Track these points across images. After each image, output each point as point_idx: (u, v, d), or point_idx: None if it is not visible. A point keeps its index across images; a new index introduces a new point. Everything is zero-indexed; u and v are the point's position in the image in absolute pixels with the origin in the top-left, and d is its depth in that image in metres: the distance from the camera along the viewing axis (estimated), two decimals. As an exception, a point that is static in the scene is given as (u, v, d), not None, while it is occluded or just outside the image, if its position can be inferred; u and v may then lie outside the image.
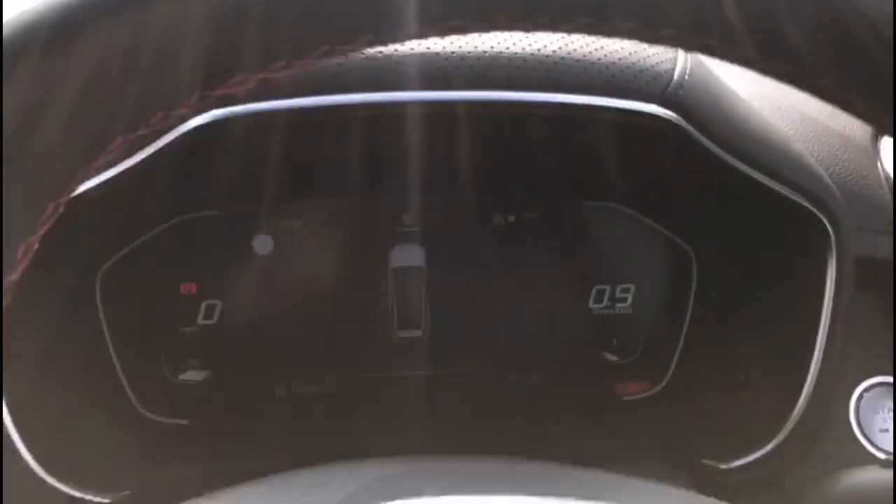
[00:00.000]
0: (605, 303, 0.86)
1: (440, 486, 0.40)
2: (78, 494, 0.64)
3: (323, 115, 0.65)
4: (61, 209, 0.33)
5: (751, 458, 0.70)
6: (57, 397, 0.71)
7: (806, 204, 0.70)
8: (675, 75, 0.64)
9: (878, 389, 0.74)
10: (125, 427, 0.78)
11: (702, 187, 0.75)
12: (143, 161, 0.60)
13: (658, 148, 0.70)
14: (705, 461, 0.73)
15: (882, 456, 0.71)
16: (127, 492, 0.69)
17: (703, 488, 0.72)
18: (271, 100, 0.61)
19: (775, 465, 0.70)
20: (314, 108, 0.64)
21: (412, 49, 0.63)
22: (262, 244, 0.81)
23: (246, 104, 0.60)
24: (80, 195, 0.61)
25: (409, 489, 0.39)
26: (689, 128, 0.65)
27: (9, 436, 0.61)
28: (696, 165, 0.70)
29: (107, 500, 0.67)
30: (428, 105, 0.65)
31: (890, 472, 0.68)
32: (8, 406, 0.62)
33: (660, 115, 0.64)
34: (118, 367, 0.79)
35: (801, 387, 0.70)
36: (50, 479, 0.64)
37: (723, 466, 0.72)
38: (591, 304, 0.86)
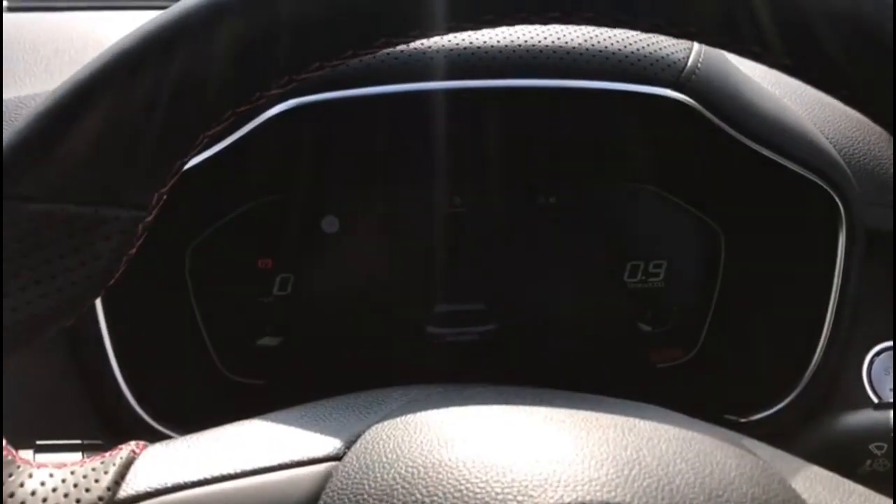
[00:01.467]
0: (639, 277, 0.94)
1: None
2: (167, 432, 0.75)
3: (384, 103, 0.75)
4: (182, 169, 0.43)
5: (767, 412, 0.78)
6: (155, 356, 0.82)
7: (818, 181, 0.77)
8: (689, 62, 0.72)
9: (888, 353, 0.81)
10: (210, 386, 0.89)
11: (722, 168, 0.83)
12: (235, 142, 0.71)
13: (680, 132, 0.78)
14: (727, 416, 0.81)
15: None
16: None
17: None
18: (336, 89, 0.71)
19: (789, 419, 0.77)
20: (374, 97, 0.74)
21: (448, 41, 0.73)
22: (329, 224, 0.91)
23: (317, 93, 0.70)
24: (185, 177, 0.73)
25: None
26: (704, 111, 0.73)
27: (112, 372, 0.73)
28: (715, 147, 0.78)
29: None
30: (473, 93, 0.74)
31: (887, 413, 0.74)
32: (115, 350, 0.73)
33: (676, 99, 0.72)
34: (204, 333, 0.89)
35: (815, 348, 0.77)
36: (144, 415, 0.74)
37: (742, 420, 0.79)
38: (626, 278, 0.94)
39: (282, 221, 0.91)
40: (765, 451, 0.47)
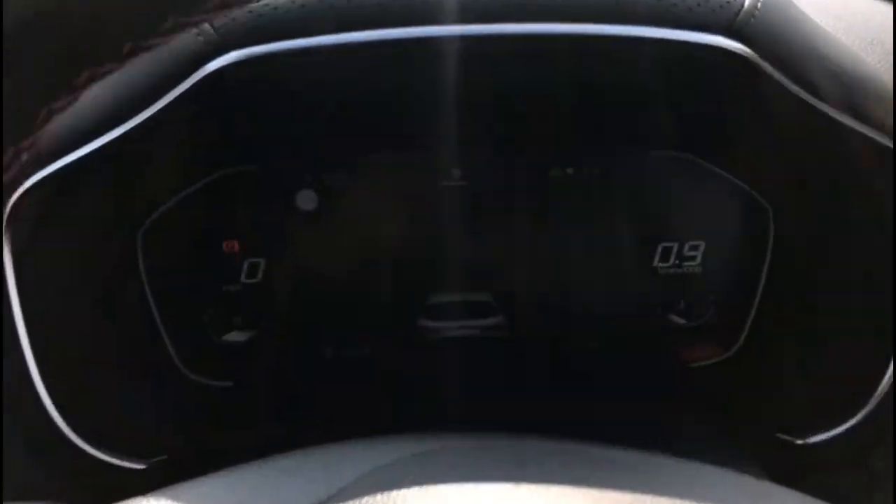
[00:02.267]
0: (671, 261, 0.80)
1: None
2: (109, 459, 0.62)
3: (365, 51, 0.60)
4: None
5: (832, 433, 0.64)
6: (94, 360, 0.69)
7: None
8: (746, 3, 0.57)
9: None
10: (168, 389, 0.76)
11: (778, 131, 0.68)
12: (173, 104, 0.57)
13: (728, 87, 0.63)
14: (780, 435, 0.67)
15: None
16: (163, 456, 0.67)
17: (775, 466, 0.66)
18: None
19: (860, 442, 0.63)
20: (355, 45, 0.59)
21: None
22: (306, 200, 0.78)
23: (284, 40, 0.55)
24: (116, 148, 0.59)
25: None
26: (763, 63, 0.58)
27: (41, 402, 0.60)
28: (771, 106, 0.63)
29: (140, 466, 0.65)
30: (476, 40, 0.59)
31: None
32: (40, 370, 0.60)
33: (728, 48, 0.57)
34: (161, 328, 0.76)
35: (892, 353, 0.62)
36: (81, 443, 0.62)
37: (799, 442, 0.65)
38: (656, 262, 0.80)
39: (249, 197, 0.77)
40: None
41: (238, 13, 0.55)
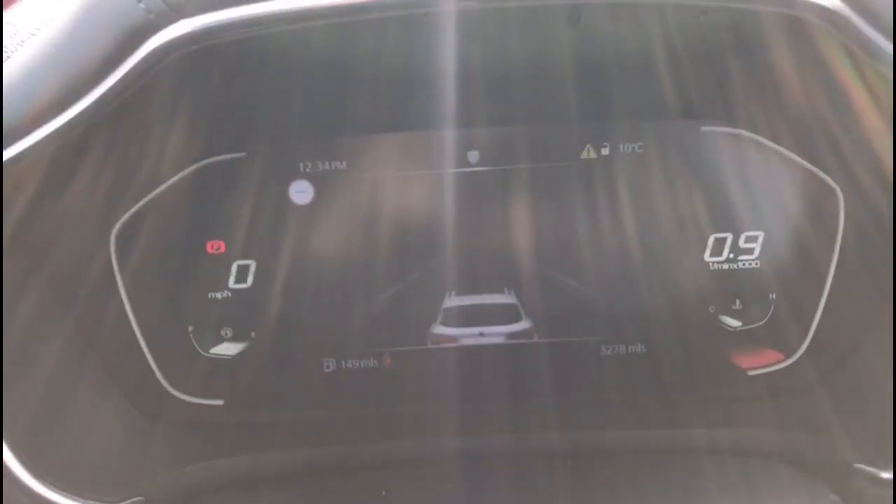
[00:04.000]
0: (725, 255, 0.69)
1: None
2: None
3: (365, 10, 0.49)
4: None
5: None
6: (62, 387, 0.60)
7: None
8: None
9: None
10: (151, 410, 0.67)
11: (859, 101, 0.56)
12: (120, 84, 0.46)
13: (801, 47, 0.52)
14: (859, 465, 0.56)
15: None
16: (138, 498, 0.58)
17: (851, 500, 0.56)
18: None
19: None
20: (353, 5, 0.48)
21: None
22: (300, 192, 0.67)
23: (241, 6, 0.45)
24: (78, 136, 0.49)
25: None
26: (851, 13, 0.46)
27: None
28: (854, 69, 0.51)
29: None
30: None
31: None
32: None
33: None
34: (142, 342, 0.67)
35: None
36: (42, 490, 0.53)
37: (885, 475, 0.55)
38: (707, 256, 0.69)
39: (236, 190, 0.67)
40: None
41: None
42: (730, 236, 0.69)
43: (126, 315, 0.66)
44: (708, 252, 0.69)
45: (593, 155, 0.68)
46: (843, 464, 0.58)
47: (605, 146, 0.68)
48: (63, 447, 0.56)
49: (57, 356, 0.59)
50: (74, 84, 0.48)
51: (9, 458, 0.52)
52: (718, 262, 0.69)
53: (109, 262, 0.65)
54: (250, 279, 0.69)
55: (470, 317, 0.70)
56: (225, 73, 0.56)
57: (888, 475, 0.55)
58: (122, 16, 0.44)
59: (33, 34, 0.51)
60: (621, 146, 0.68)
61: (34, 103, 0.48)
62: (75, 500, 0.55)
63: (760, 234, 0.69)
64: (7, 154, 0.48)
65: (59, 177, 0.55)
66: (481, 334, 0.70)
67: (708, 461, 0.64)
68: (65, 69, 0.47)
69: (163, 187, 0.66)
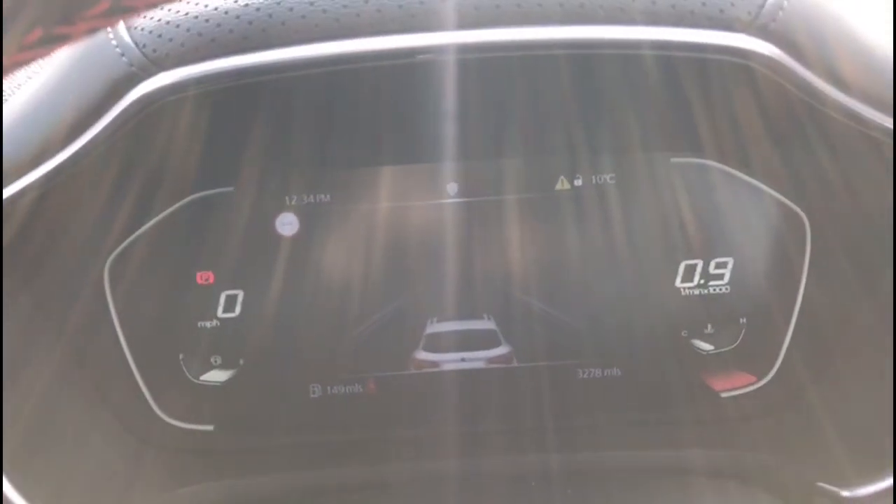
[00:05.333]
0: (695, 281, 0.71)
1: None
2: None
3: (348, 62, 0.52)
4: None
5: (884, 484, 0.55)
6: (53, 410, 0.62)
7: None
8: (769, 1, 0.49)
9: None
10: (142, 435, 0.69)
11: (811, 134, 0.59)
12: (113, 125, 0.49)
13: (754, 88, 0.55)
14: (822, 484, 0.58)
15: None
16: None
17: None
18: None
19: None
20: (334, 57, 0.51)
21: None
22: (286, 224, 0.70)
23: (255, 52, 0.48)
24: (77, 172, 0.52)
25: None
26: (791, 61, 0.49)
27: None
28: (801, 107, 0.54)
29: None
30: (472, 47, 0.52)
31: None
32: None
33: (753, 49, 0.49)
34: (134, 369, 0.70)
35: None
36: None
37: (846, 494, 0.57)
38: (678, 283, 0.72)
39: (224, 223, 0.70)
40: None
41: (168, 29, 0.47)
42: (700, 263, 0.71)
43: (118, 342, 0.69)
44: (679, 278, 0.71)
45: (567, 186, 0.71)
46: (807, 483, 0.60)
47: (578, 178, 0.70)
48: (54, 469, 0.58)
49: (48, 379, 0.62)
50: (65, 128, 0.51)
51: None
52: (689, 288, 0.72)
53: (103, 291, 0.68)
54: (238, 308, 0.71)
55: (451, 342, 0.72)
56: (210, 115, 0.59)
57: (848, 493, 0.57)
58: (107, 68, 0.48)
59: (29, 78, 0.54)
60: (593, 178, 0.70)
61: (30, 146, 0.52)
62: None
63: (730, 260, 0.71)
64: (7, 192, 0.51)
65: (56, 213, 0.58)
66: (462, 359, 0.72)
67: (681, 481, 0.66)
68: (56, 114, 0.50)
69: (154, 220, 0.68)
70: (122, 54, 0.47)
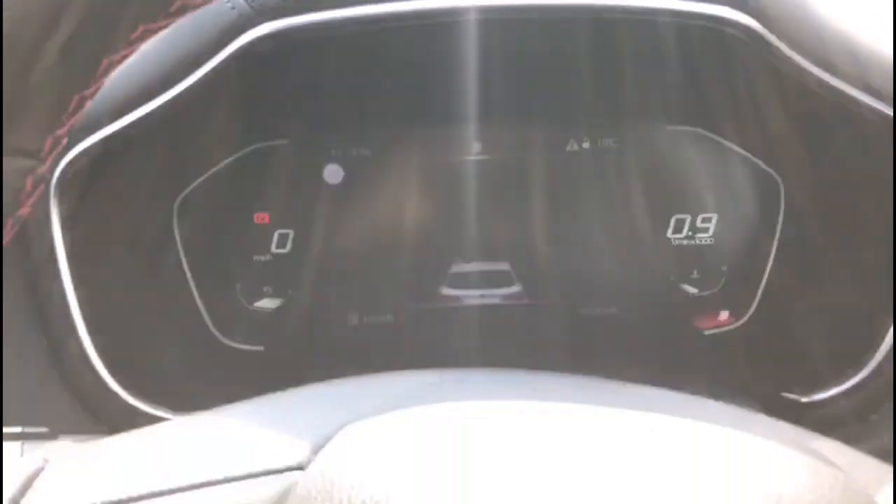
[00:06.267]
0: (684, 233, 0.83)
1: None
2: (141, 406, 0.65)
3: (388, 23, 0.63)
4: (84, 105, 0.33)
5: (834, 391, 0.66)
6: (135, 320, 0.73)
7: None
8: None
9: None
10: (202, 352, 0.80)
11: (787, 105, 0.70)
12: (206, 77, 0.60)
13: (739, 61, 0.66)
14: (785, 394, 0.70)
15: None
16: (192, 411, 0.71)
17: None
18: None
19: (860, 400, 0.66)
20: (377, 17, 0.62)
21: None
22: (333, 174, 0.81)
23: (307, 13, 0.59)
24: (153, 120, 0.62)
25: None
26: (771, 36, 0.60)
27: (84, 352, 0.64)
28: (780, 80, 0.65)
29: (169, 417, 0.68)
30: (495, 11, 0.62)
31: None
32: (87, 325, 0.64)
33: (738, 21, 0.60)
34: (196, 295, 0.80)
35: (890, 321, 0.65)
36: (117, 388, 0.65)
37: (804, 400, 0.68)
38: (669, 234, 0.83)
39: (279, 171, 0.81)
40: (844, 454, 0.37)
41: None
42: (689, 217, 0.82)
43: (183, 269, 0.80)
44: (670, 230, 0.82)
45: (576, 147, 0.82)
46: (773, 394, 0.71)
47: (586, 141, 0.82)
48: (136, 361, 0.69)
49: (129, 294, 0.72)
50: (166, 76, 0.62)
51: (97, 364, 0.65)
52: (679, 239, 0.83)
53: (171, 227, 0.79)
54: (289, 245, 0.82)
55: (472, 281, 0.83)
56: (281, 70, 0.70)
57: (806, 399, 0.68)
58: (216, 16, 0.58)
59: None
60: (599, 141, 0.82)
61: (132, 88, 0.62)
62: (143, 402, 0.67)
63: (714, 216, 0.82)
64: (106, 132, 0.61)
65: (142, 153, 0.69)
66: (481, 296, 0.83)
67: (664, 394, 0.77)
68: (162, 59, 0.61)
69: (220, 166, 0.79)
70: (232, 7, 0.58)
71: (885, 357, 0.64)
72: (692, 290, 0.84)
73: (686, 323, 0.83)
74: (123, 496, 0.33)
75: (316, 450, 0.34)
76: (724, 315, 0.83)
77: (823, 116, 0.69)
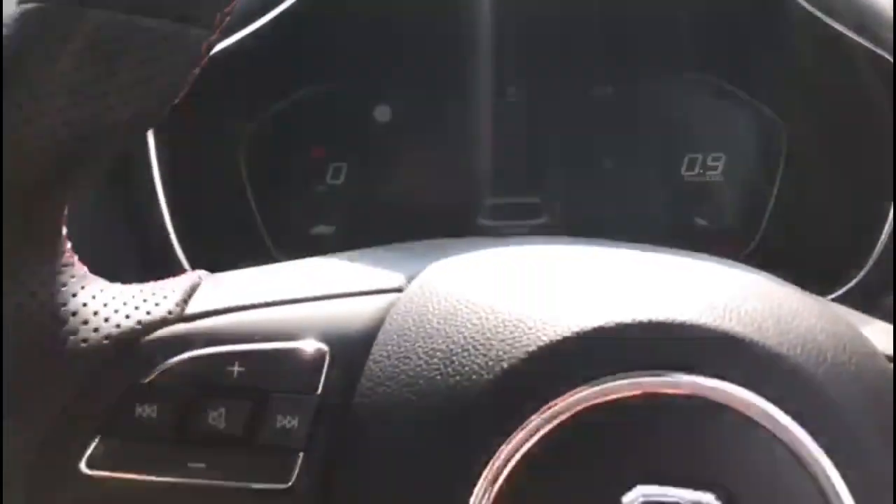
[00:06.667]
0: (696, 170, 0.92)
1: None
2: None
3: None
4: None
5: (829, 296, 0.76)
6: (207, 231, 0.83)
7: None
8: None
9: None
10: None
11: (786, 51, 0.80)
12: (275, 20, 0.70)
13: (750, 11, 0.75)
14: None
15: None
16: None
17: None
18: None
19: (856, 301, 0.76)
20: None
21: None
22: (381, 113, 0.91)
23: None
24: (229, 54, 0.72)
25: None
26: None
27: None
28: (785, 28, 0.75)
29: None
30: None
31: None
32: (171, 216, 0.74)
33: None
34: (259, 220, 0.90)
35: (882, 226, 0.75)
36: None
37: None
38: (683, 171, 0.92)
39: (335, 110, 0.91)
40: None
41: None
42: (700, 156, 0.92)
43: (248, 198, 0.89)
44: (684, 167, 0.92)
45: (601, 93, 0.91)
46: None
47: (610, 87, 0.91)
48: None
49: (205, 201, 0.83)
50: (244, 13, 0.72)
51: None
52: (691, 176, 0.92)
53: (238, 157, 0.89)
54: (343, 177, 0.92)
55: (505, 213, 0.93)
56: (346, 17, 0.80)
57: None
58: None
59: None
60: (622, 88, 0.91)
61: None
62: None
63: (723, 156, 0.92)
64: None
65: (219, 85, 0.78)
66: (514, 225, 0.93)
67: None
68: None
69: (284, 103, 0.89)
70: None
71: (877, 262, 0.74)
72: (702, 221, 0.93)
73: (698, 252, 0.93)
74: (269, 299, 0.43)
75: (410, 279, 0.45)
76: (731, 247, 0.93)
77: (825, 64, 0.79)
